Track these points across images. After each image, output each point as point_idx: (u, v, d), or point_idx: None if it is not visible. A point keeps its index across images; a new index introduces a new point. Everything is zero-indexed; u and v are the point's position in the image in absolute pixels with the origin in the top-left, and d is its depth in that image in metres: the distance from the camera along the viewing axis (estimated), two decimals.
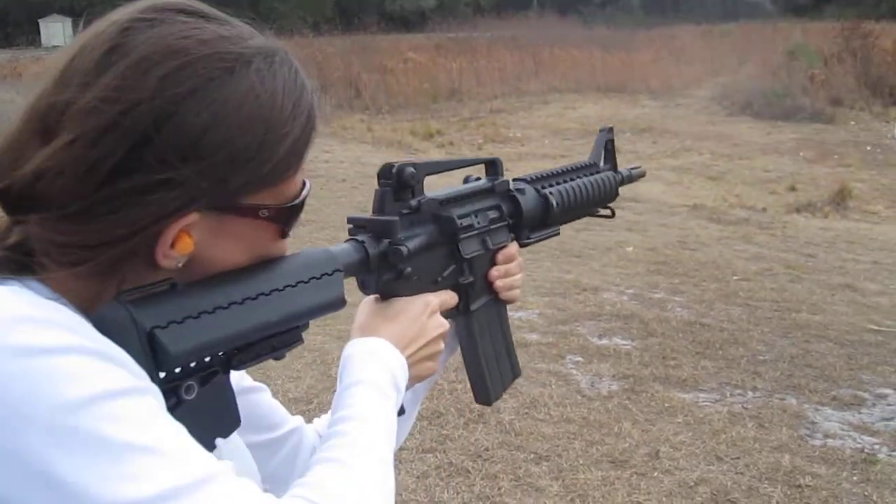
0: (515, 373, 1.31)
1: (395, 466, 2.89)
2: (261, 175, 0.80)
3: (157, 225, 0.76)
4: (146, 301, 0.76)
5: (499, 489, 3.51)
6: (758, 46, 25.18)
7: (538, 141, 15.05)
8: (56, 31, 50.89)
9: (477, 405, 4.03)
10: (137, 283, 0.78)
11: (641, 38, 29.79)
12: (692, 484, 3.57)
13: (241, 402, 1.11)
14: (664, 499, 3.47)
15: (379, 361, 0.96)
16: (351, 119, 17.91)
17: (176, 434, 0.72)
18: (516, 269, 1.24)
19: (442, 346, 1.08)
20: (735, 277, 6.67)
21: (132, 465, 0.66)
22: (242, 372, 1.13)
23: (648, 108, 19.69)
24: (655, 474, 3.65)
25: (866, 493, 3.54)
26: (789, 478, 3.63)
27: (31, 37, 44.16)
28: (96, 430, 0.66)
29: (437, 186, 1.17)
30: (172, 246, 0.78)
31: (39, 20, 51.07)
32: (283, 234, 0.88)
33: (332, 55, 21.40)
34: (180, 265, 0.80)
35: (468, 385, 4.17)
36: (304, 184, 0.88)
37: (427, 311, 1.06)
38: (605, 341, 5.25)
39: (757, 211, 9.76)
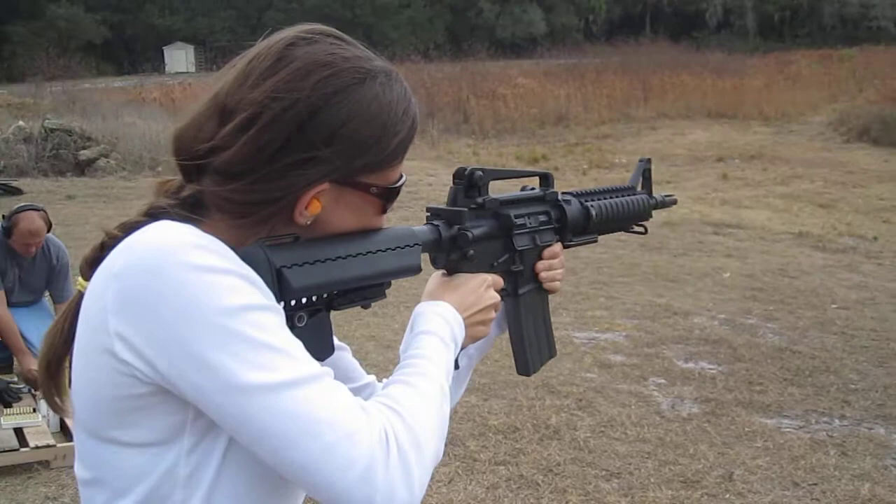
0: (552, 352, 1.51)
1: (466, 476, 2.99)
2: (376, 160, 1.05)
3: (302, 190, 1.01)
4: (277, 247, 1.00)
5: (566, 503, 3.55)
6: (878, 71, 24.33)
7: None
8: (179, 57, 53.20)
9: (553, 422, 4.07)
10: (273, 235, 1.03)
11: (756, 62, 29.18)
12: None
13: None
14: None
15: (442, 318, 1.17)
16: (457, 143, 18.17)
17: (296, 343, 0.94)
18: (558, 265, 1.46)
19: (493, 314, 1.28)
20: (834, 306, 6.51)
21: (265, 358, 0.89)
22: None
23: (760, 135, 19.28)
24: (727, 496, 3.62)
25: None
26: None
27: (157, 63, 46.28)
28: (242, 331, 0.89)
29: (502, 191, 1.39)
30: (307, 207, 1.02)
31: (164, 47, 53.45)
32: (384, 210, 1.12)
33: (441, 80, 21.77)
34: (308, 223, 1.04)
35: (546, 402, 4.25)
36: (401, 175, 1.12)
37: (484, 286, 1.27)
38: (690, 365, 5.21)
39: (867, 240, 9.46)
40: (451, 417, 3.54)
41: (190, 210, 1.03)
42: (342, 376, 1.29)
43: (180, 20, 56.32)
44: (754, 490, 3.67)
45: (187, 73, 45.33)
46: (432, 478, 3.74)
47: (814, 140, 18.48)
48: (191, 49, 54.67)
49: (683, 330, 5.87)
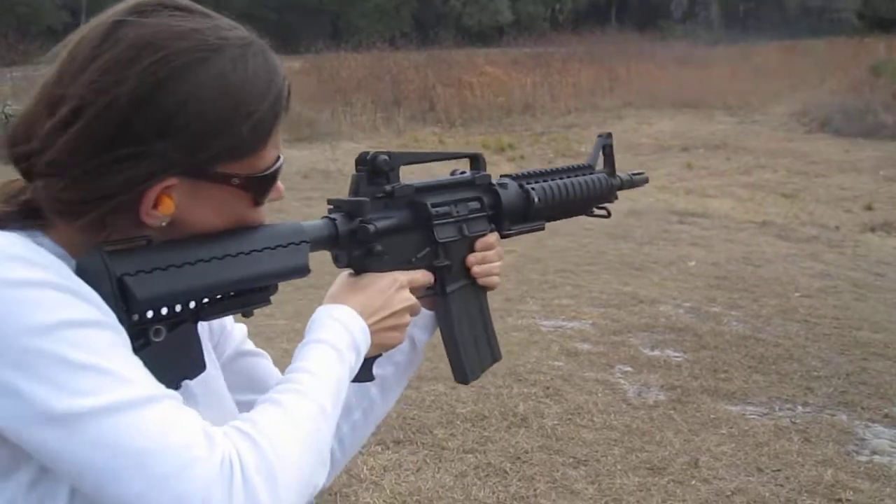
0: (495, 356, 1.37)
1: (435, 464, 2.98)
2: (230, 147, 0.93)
3: (137, 187, 0.89)
4: (122, 252, 0.89)
5: (534, 491, 3.56)
6: (840, 63, 24.63)
7: None
8: None
9: (520, 410, 4.09)
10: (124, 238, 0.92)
11: (720, 53, 29.40)
12: (729, 493, 3.57)
13: (240, 364, 1.26)
14: None
15: (340, 325, 1.06)
16: (424, 132, 18.12)
17: (127, 362, 0.83)
18: (494, 257, 1.32)
19: (408, 318, 1.16)
20: (797, 294, 6.59)
21: (84, 381, 0.79)
22: (244, 336, 1.27)
23: (724, 125, 19.44)
24: (693, 482, 3.66)
25: None
26: (830, 491, 3.60)
27: None
28: (55, 350, 0.78)
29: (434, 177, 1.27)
30: (155, 206, 0.91)
31: None
32: (257, 203, 1.00)
33: (407, 69, 21.66)
34: (164, 224, 0.93)
35: (514, 390, 4.24)
36: (277, 158, 1.00)
37: (395, 286, 1.15)
38: (656, 353, 5.25)
39: (829, 229, 9.58)
40: (419, 405, 3.54)
41: (29, 216, 0.92)
42: (254, 386, 1.22)
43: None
44: (720, 476, 3.71)
45: None
46: (400, 466, 3.76)
47: (777, 130, 18.66)
48: None
49: (649, 318, 5.91)
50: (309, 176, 12.10)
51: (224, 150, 0.93)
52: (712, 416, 4.34)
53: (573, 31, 31.21)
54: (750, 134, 18.03)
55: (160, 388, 0.84)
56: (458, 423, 4.16)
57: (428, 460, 3.79)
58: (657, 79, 23.77)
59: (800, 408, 4.49)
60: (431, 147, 16.17)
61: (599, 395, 4.57)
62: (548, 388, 4.62)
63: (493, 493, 3.55)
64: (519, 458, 3.84)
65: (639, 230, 8.70)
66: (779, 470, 3.78)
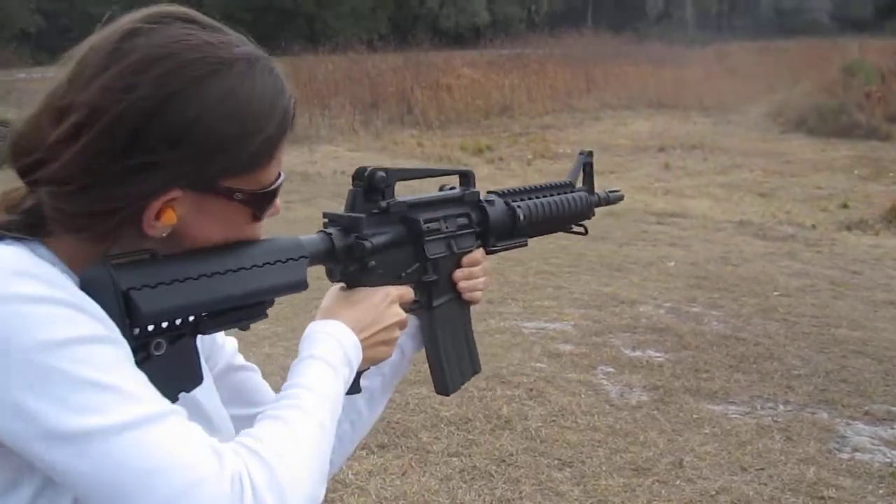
0: (475, 368, 1.40)
1: (420, 468, 2.98)
2: (236, 163, 0.93)
3: (145, 199, 0.89)
4: (127, 266, 0.89)
5: (520, 493, 3.57)
6: (814, 63, 24.85)
7: None
8: None
9: (504, 412, 4.09)
10: (127, 251, 0.92)
11: (695, 54, 29.59)
12: (713, 493, 3.59)
13: (231, 378, 1.24)
14: None
15: (334, 341, 1.06)
16: (402, 134, 18.09)
17: (134, 379, 0.83)
18: (480, 273, 1.34)
19: (398, 333, 1.18)
20: (776, 293, 6.63)
21: (91, 399, 0.78)
22: (235, 350, 1.26)
23: (700, 125, 19.56)
24: (677, 482, 3.67)
25: None
26: (813, 489, 3.63)
27: None
28: (63, 368, 0.78)
29: (420, 192, 1.28)
30: (158, 218, 0.91)
31: None
32: (256, 218, 1.00)
33: (384, 71, 21.65)
34: (164, 236, 0.93)
35: (497, 393, 4.26)
36: (279, 175, 1.01)
37: (386, 301, 1.16)
38: (638, 353, 5.27)
39: (805, 228, 9.65)
40: (403, 409, 3.55)
41: (30, 226, 0.91)
42: (244, 400, 1.24)
43: (118, 9, 54.94)
44: (704, 476, 3.73)
45: None
46: (385, 470, 3.75)
47: (752, 130, 18.80)
48: None
49: (630, 319, 5.93)
50: (288, 178, 11.99)
51: (231, 164, 0.93)
52: (695, 415, 4.36)
53: (550, 33, 31.30)
54: (726, 134, 18.15)
55: (166, 405, 0.84)
56: (443, 426, 4.16)
57: (413, 464, 3.78)
58: (633, 80, 23.90)
59: (781, 406, 4.52)
60: (410, 149, 16.16)
61: (583, 396, 4.58)
62: (531, 389, 4.62)
63: (479, 496, 3.55)
64: (504, 460, 3.84)
65: (618, 231, 8.73)
66: (762, 469, 3.81)
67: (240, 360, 1.26)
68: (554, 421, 4.26)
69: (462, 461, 3.82)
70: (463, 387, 1.39)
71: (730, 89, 23.07)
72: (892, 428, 4.26)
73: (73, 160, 0.87)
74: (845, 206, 11.11)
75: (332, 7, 41.40)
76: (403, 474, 3.69)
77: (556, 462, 3.84)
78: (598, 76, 24.34)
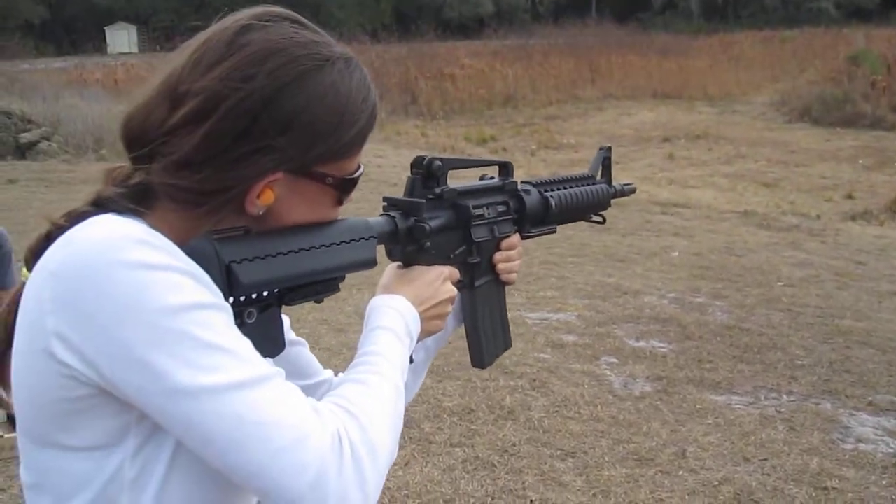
0: (507, 344, 1.51)
1: (423, 458, 2.99)
2: (333, 150, 1.02)
3: (254, 179, 0.97)
4: (227, 240, 0.97)
5: (523, 483, 3.57)
6: (819, 52, 24.77)
7: (592, 147, 15.00)
8: (121, 38, 52.03)
9: (507, 403, 4.09)
10: (224, 226, 1.00)
11: (700, 44, 29.49)
12: (716, 483, 3.58)
13: (288, 352, 1.36)
14: (687, 497, 3.49)
15: (397, 313, 1.15)
16: (405, 124, 18.10)
17: (243, 342, 0.91)
18: (516, 256, 1.43)
19: (450, 308, 1.27)
20: (780, 283, 6.62)
21: (211, 359, 0.86)
22: (288, 326, 1.33)
23: (705, 115, 19.52)
24: (680, 473, 3.67)
25: (894, 497, 3.52)
26: (816, 480, 3.62)
27: (98, 44, 45.27)
28: (186, 330, 0.85)
29: (458, 180, 1.35)
30: (259, 197, 0.99)
31: (105, 28, 52.20)
32: (339, 202, 1.09)
33: (389, 61, 21.65)
34: (260, 213, 1.01)
35: (500, 383, 4.25)
36: (359, 165, 1.10)
37: (440, 279, 1.25)
38: (641, 343, 5.27)
39: (810, 218, 9.63)
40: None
41: (138, 199, 0.99)
42: (299, 372, 1.30)
43: (140, 2, 55.01)
44: (707, 466, 3.72)
45: (130, 53, 44.46)
46: None
47: (757, 120, 18.77)
48: (133, 29, 53.53)
49: (634, 309, 5.92)
50: None
51: (328, 151, 1.01)
52: (698, 406, 4.36)
53: (554, 23, 31.24)
54: (730, 124, 18.12)
55: (271, 367, 0.91)
56: (445, 416, 4.16)
57: (416, 454, 3.79)
58: (637, 70, 23.84)
59: (784, 397, 4.51)
60: (414, 139, 16.18)
61: (586, 386, 4.57)
62: (534, 380, 4.62)
63: (482, 486, 3.55)
64: (506, 450, 3.84)
65: (622, 221, 8.72)
66: (765, 459, 3.80)
67: (292, 335, 1.33)
68: (557, 411, 4.26)
69: (465, 451, 3.82)
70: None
71: (734, 79, 23.04)
72: None
73: (193, 139, 0.94)
74: (850, 196, 11.10)
75: None
76: (406, 464, 3.69)
77: (558, 452, 3.84)
78: (603, 66, 24.28)
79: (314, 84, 0.98)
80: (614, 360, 4.99)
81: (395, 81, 20.71)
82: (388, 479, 3.57)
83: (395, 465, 3.65)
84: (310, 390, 1.31)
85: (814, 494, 3.52)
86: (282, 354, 1.26)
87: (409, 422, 4.05)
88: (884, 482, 3.63)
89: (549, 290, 6.35)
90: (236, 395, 0.85)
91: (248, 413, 0.85)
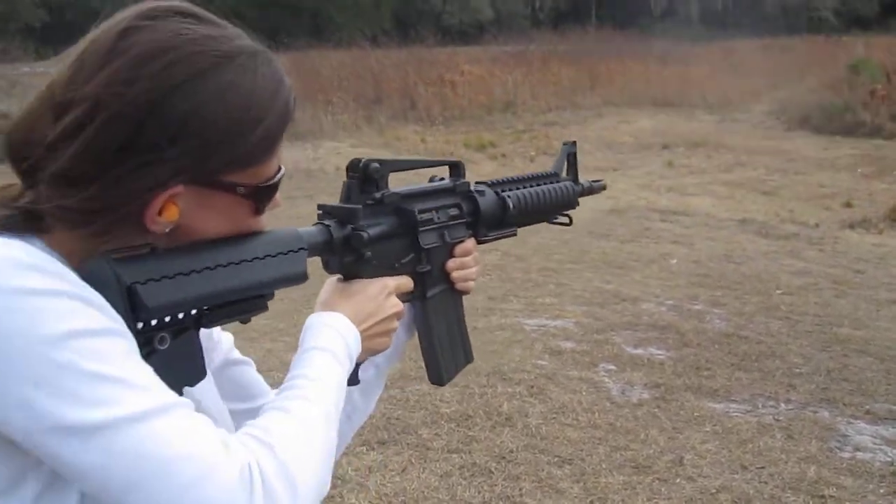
0: (468, 358, 1.42)
1: (420, 465, 2.97)
2: (238, 156, 0.93)
3: (148, 194, 0.89)
4: (129, 260, 0.89)
5: (520, 490, 3.56)
6: (819, 61, 24.80)
7: (591, 154, 15.01)
8: None
9: (505, 409, 4.08)
10: (125, 245, 0.91)
11: (700, 51, 29.53)
12: (714, 491, 3.58)
13: (229, 373, 1.26)
14: None
15: (335, 332, 1.07)
16: (405, 130, 18.08)
17: (142, 371, 0.83)
18: (472, 263, 1.35)
19: (396, 324, 1.19)
20: (778, 291, 6.62)
21: (100, 391, 0.78)
22: (231, 345, 1.27)
23: (704, 122, 19.53)
24: (678, 480, 3.67)
25: None
26: (813, 488, 3.62)
27: None
28: (71, 361, 0.77)
29: (407, 183, 1.28)
30: (160, 213, 0.90)
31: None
32: (258, 212, 1.00)
33: (388, 67, 21.63)
34: (167, 231, 0.93)
35: (498, 389, 4.24)
36: (279, 168, 1.00)
37: (384, 293, 1.17)
38: (639, 351, 5.26)
39: (808, 226, 9.62)
40: (403, 405, 3.55)
41: (27, 221, 0.90)
42: (241, 394, 1.24)
43: (122, 4, 54.98)
44: (704, 474, 3.72)
45: None
46: (385, 467, 3.75)
47: (756, 128, 18.78)
48: None
49: (632, 316, 5.92)
50: (292, 175, 12.05)
51: (232, 158, 0.93)
52: (696, 413, 4.35)
53: (554, 29, 31.27)
54: (730, 132, 18.11)
55: (174, 396, 0.85)
56: (443, 422, 4.15)
57: (413, 460, 3.78)
58: (637, 77, 23.84)
59: (782, 405, 4.51)
60: (413, 145, 16.15)
61: (584, 393, 4.57)
62: (532, 387, 4.62)
63: (479, 492, 3.55)
64: (504, 457, 3.84)
65: (620, 228, 8.72)
66: (762, 467, 3.80)
67: (236, 354, 1.27)
68: (554, 418, 4.25)
69: (462, 458, 3.82)
70: (456, 378, 1.41)
71: (734, 87, 23.04)
72: (894, 427, 4.25)
73: (75, 156, 0.86)
74: (849, 204, 11.08)
75: (335, 2, 41.37)
76: (403, 471, 3.68)
77: (556, 459, 3.83)
78: (602, 73, 24.27)
79: (207, 85, 0.89)
80: (612, 367, 4.98)
81: (394, 87, 20.69)
82: (385, 485, 3.57)
83: (392, 470, 3.65)
84: (254, 413, 1.20)
85: (811, 503, 3.52)
86: (222, 376, 1.21)
87: (407, 428, 4.05)
88: (881, 491, 3.63)
89: (548, 297, 6.35)
90: (131, 429, 0.78)
91: (145, 449, 0.78)
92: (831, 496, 3.56)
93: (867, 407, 4.46)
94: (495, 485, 3.61)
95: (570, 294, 6.45)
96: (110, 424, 0.78)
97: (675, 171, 13.92)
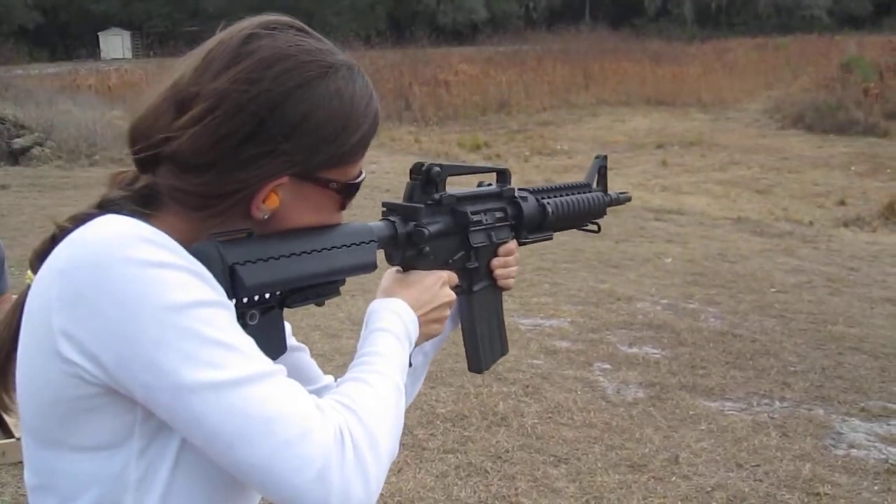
0: (504, 350, 1.53)
1: (415, 465, 2.98)
2: (337, 155, 1.04)
3: (259, 183, 0.99)
4: (230, 243, 0.99)
5: (516, 490, 3.57)
6: (812, 59, 24.88)
7: (585, 154, 15.03)
8: (115, 43, 52.05)
9: (500, 409, 4.09)
10: (227, 229, 1.03)
11: (694, 50, 29.59)
12: (709, 489, 3.59)
13: (289, 358, 1.36)
14: (679, 503, 3.49)
15: (397, 316, 1.17)
16: (399, 131, 18.09)
17: (246, 340, 0.92)
18: (513, 262, 1.46)
19: (448, 312, 1.28)
20: (772, 289, 6.64)
21: (214, 355, 0.87)
22: (289, 332, 1.34)
23: (698, 122, 19.57)
24: (673, 479, 3.67)
25: (886, 503, 3.52)
26: (808, 486, 3.63)
27: (92, 49, 45.24)
28: (190, 327, 0.87)
29: (456, 187, 1.38)
30: (265, 201, 1.01)
31: (99, 33, 52.22)
32: (342, 206, 1.11)
33: (383, 67, 21.66)
34: (265, 217, 1.03)
35: (493, 389, 4.25)
36: (361, 171, 1.12)
37: (438, 283, 1.27)
38: (634, 350, 5.27)
39: (802, 225, 9.66)
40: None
41: (143, 203, 1.01)
42: (300, 377, 1.30)
43: (116, 5, 54.85)
44: (699, 472, 3.73)
45: (124, 59, 44.49)
46: None
47: (750, 127, 18.82)
48: (127, 35, 53.55)
49: (627, 315, 5.93)
50: None
51: (332, 156, 1.03)
52: (691, 412, 4.36)
53: (547, 29, 31.30)
54: (724, 131, 18.16)
55: (273, 364, 0.93)
56: (438, 422, 4.15)
57: (409, 461, 3.78)
58: (631, 76, 23.89)
59: (777, 403, 4.52)
60: (407, 145, 16.17)
61: (579, 392, 4.58)
62: (527, 386, 4.62)
63: (475, 492, 3.55)
64: (499, 457, 3.84)
65: (615, 227, 8.73)
66: (758, 465, 3.81)
67: (294, 341, 1.34)
68: (550, 417, 4.26)
69: (458, 458, 3.82)
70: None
71: (728, 86, 23.10)
72: (888, 424, 4.26)
73: (198, 144, 0.96)
74: (842, 202, 11.12)
75: (330, 3, 41.35)
76: (399, 471, 3.69)
77: (551, 458, 3.84)
78: (596, 72, 24.34)
79: (319, 90, 1.00)
80: (607, 367, 4.99)
81: (389, 87, 20.71)
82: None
83: (387, 470, 3.65)
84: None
85: (806, 500, 3.52)
86: (283, 359, 1.29)
87: (403, 428, 4.04)
88: (876, 488, 3.64)
89: (543, 296, 6.36)
90: (241, 390, 0.87)
91: (253, 408, 0.87)
92: (826, 494, 3.57)
93: (861, 404, 4.47)
94: (491, 484, 3.61)
95: (564, 293, 6.46)
96: (223, 385, 0.86)
97: (669, 170, 13.94)
